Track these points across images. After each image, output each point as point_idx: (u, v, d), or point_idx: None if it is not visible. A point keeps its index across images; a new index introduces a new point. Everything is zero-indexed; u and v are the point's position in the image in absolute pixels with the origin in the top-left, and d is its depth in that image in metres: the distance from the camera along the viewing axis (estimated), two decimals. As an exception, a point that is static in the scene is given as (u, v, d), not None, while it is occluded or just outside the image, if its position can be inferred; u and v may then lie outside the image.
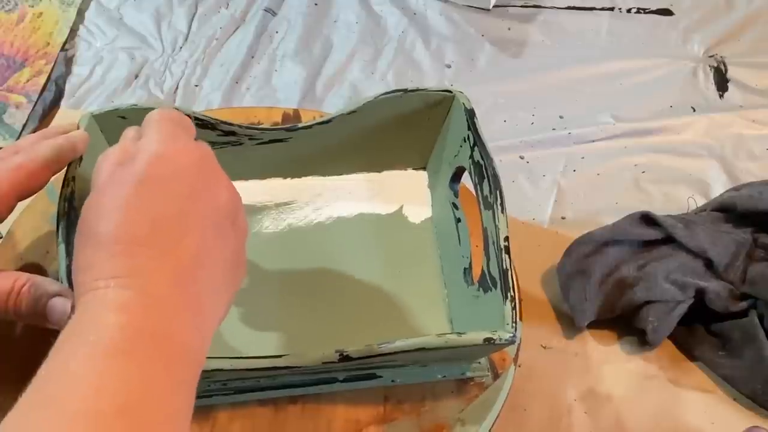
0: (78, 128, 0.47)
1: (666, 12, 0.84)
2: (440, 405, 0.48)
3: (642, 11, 0.84)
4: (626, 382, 0.57)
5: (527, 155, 0.71)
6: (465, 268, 0.51)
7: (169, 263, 0.32)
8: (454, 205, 0.54)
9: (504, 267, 0.44)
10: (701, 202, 0.67)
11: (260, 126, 0.53)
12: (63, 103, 0.75)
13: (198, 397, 0.46)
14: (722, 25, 0.83)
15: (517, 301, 0.43)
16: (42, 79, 0.75)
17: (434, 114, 0.53)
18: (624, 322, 0.59)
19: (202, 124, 0.50)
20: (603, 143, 0.72)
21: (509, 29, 0.83)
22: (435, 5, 0.84)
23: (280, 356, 0.41)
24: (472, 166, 0.50)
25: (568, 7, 0.85)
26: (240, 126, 0.52)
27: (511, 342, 0.42)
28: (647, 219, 0.61)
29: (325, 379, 0.47)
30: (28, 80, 0.75)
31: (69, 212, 0.43)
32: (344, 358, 0.41)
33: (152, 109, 0.49)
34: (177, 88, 0.76)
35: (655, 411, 0.56)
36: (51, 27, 0.80)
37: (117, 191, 0.33)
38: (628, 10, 0.85)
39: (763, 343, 0.55)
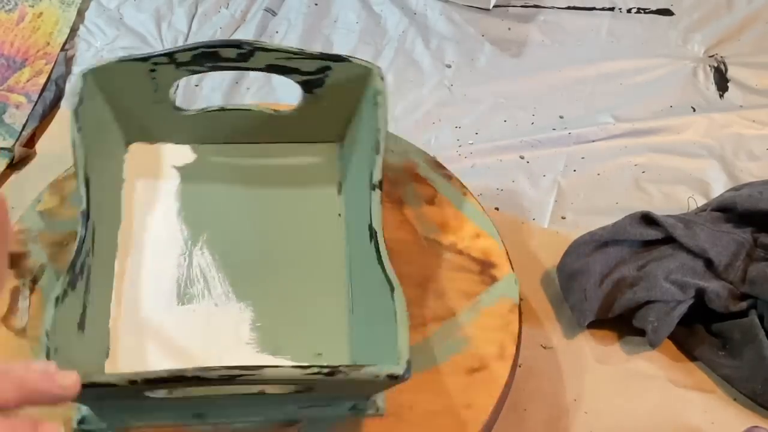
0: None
1: (666, 12, 0.84)
2: None
3: (642, 11, 0.84)
4: (626, 382, 0.57)
5: (527, 155, 0.71)
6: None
7: None
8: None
9: None
10: (701, 202, 0.67)
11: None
12: (63, 103, 0.74)
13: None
14: (722, 25, 0.82)
15: None
16: (42, 79, 0.75)
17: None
18: (624, 322, 0.59)
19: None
20: (603, 143, 0.72)
21: (509, 29, 0.83)
22: (435, 5, 0.84)
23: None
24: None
25: (568, 7, 0.85)
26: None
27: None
28: (647, 219, 0.61)
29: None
30: (28, 80, 0.75)
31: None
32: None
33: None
34: (177, 87, 0.76)
35: (655, 411, 0.56)
36: (51, 27, 0.80)
37: None
38: (628, 10, 0.84)
39: (763, 343, 0.55)
